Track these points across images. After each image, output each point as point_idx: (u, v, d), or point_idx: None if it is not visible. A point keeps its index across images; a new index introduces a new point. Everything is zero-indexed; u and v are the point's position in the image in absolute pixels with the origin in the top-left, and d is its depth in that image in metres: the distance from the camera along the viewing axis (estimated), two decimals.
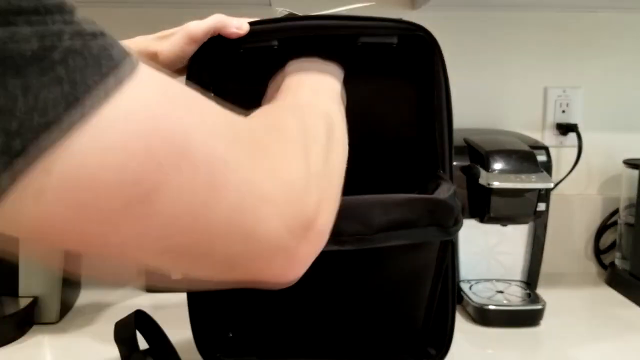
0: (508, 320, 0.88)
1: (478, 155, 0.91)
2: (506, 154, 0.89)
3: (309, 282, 0.63)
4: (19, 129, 0.22)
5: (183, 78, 0.65)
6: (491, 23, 1.09)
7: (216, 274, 0.33)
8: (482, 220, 0.91)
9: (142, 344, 0.67)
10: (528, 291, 0.95)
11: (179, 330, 0.71)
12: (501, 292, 0.94)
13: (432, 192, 0.63)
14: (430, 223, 0.59)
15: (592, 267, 1.14)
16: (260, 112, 0.42)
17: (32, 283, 0.86)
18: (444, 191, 0.61)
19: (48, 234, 0.26)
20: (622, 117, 1.13)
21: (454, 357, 0.72)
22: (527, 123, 1.12)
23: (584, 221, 1.14)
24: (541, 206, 0.89)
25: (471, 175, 0.91)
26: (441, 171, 0.70)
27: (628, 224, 1.04)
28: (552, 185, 0.87)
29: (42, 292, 0.86)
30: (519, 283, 0.98)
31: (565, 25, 1.10)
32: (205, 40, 0.63)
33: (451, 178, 0.70)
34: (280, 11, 0.68)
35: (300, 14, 0.68)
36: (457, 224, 0.61)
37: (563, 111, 1.12)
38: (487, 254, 0.99)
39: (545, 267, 1.00)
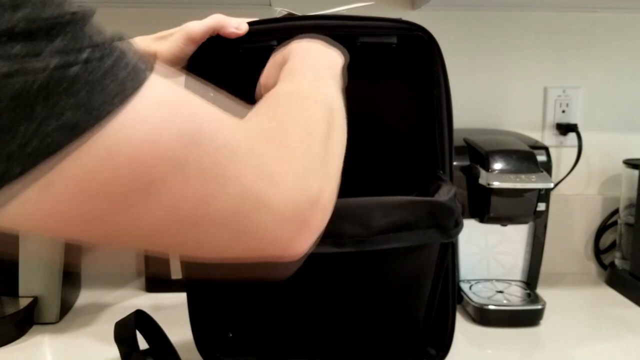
0: (508, 320, 0.88)
1: (478, 155, 0.91)
2: (506, 154, 0.89)
3: (309, 282, 0.63)
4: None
5: (182, 78, 0.65)
6: (491, 23, 1.09)
7: (232, 249, 0.35)
8: (482, 220, 0.91)
9: (142, 344, 0.67)
10: (528, 291, 0.95)
11: (179, 330, 0.71)
12: (501, 292, 0.95)
13: (433, 194, 0.63)
14: (431, 225, 0.59)
15: (592, 267, 1.14)
16: (265, 102, 0.43)
17: (32, 283, 0.86)
18: (445, 193, 0.61)
19: (68, 224, 0.28)
20: (622, 117, 1.13)
21: (453, 357, 0.72)
22: (527, 123, 1.12)
23: (584, 221, 1.14)
24: (541, 206, 0.89)
25: (471, 175, 0.91)
26: (441, 172, 0.70)
27: (628, 224, 1.04)
28: (552, 185, 0.87)
29: (42, 292, 0.86)
30: (518, 283, 0.98)
31: (565, 25, 1.10)
32: (204, 40, 0.63)
33: (451, 178, 0.70)
34: (279, 11, 0.68)
35: (300, 13, 0.68)
36: (458, 226, 0.61)
37: (563, 111, 1.12)
38: (487, 254, 0.99)
39: (545, 267, 1.00)
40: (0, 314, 0.81)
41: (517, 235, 0.99)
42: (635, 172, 1.01)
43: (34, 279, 0.86)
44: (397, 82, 0.72)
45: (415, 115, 0.72)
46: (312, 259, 0.57)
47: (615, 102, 1.12)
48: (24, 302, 0.84)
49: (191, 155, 0.30)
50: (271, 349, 0.71)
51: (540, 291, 0.96)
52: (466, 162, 0.93)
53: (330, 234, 0.55)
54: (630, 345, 0.83)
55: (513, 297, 0.93)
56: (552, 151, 0.97)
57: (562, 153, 1.12)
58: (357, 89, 0.67)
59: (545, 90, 1.11)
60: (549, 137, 1.12)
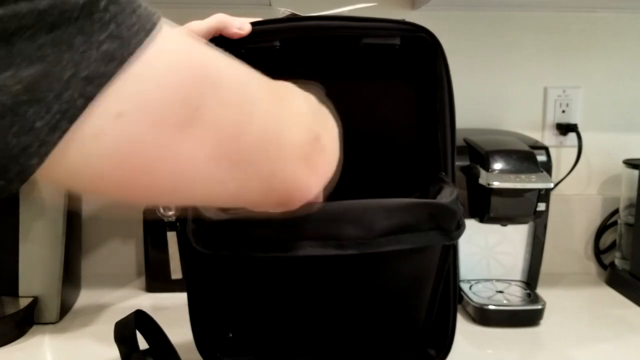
0: (508, 320, 0.88)
1: (478, 155, 0.91)
2: (506, 154, 0.89)
3: (310, 282, 0.63)
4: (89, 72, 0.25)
5: None
6: (491, 23, 1.09)
7: (253, 189, 0.37)
8: (482, 220, 0.91)
9: (142, 344, 0.67)
10: (528, 291, 0.95)
11: (179, 330, 0.71)
12: (501, 292, 0.95)
13: (435, 196, 0.63)
14: (432, 227, 0.58)
15: (592, 267, 1.14)
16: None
17: (32, 283, 0.86)
18: (447, 195, 0.61)
19: (112, 168, 0.28)
20: (622, 117, 1.13)
21: (453, 357, 0.72)
22: (527, 123, 1.12)
23: (584, 221, 1.14)
24: (541, 206, 0.89)
25: (471, 175, 0.91)
26: (443, 173, 0.69)
27: (628, 224, 1.04)
28: (552, 185, 0.87)
29: (42, 292, 0.86)
30: (518, 283, 0.98)
31: (565, 25, 1.10)
32: (207, 40, 0.63)
33: (453, 180, 0.70)
34: (282, 11, 0.68)
35: (302, 14, 0.68)
36: (460, 228, 0.60)
37: (563, 111, 1.12)
38: (487, 254, 0.99)
39: (545, 267, 1.00)
40: (0, 314, 0.81)
41: (517, 235, 0.99)
42: (635, 172, 1.01)
43: (34, 279, 0.86)
44: (399, 84, 0.72)
45: (418, 116, 0.72)
46: (313, 259, 0.57)
47: (615, 102, 1.12)
48: (24, 302, 0.84)
49: (219, 77, 0.32)
50: (271, 349, 0.71)
51: (540, 291, 0.96)
52: (466, 162, 0.93)
53: (331, 236, 0.55)
54: (630, 345, 0.83)
55: (513, 297, 0.93)
56: (552, 151, 0.97)
57: (562, 153, 1.12)
58: (359, 90, 0.67)
59: (545, 90, 1.11)
60: (549, 137, 1.12)
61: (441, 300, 0.69)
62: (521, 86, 1.11)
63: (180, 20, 0.64)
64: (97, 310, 0.94)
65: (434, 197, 0.63)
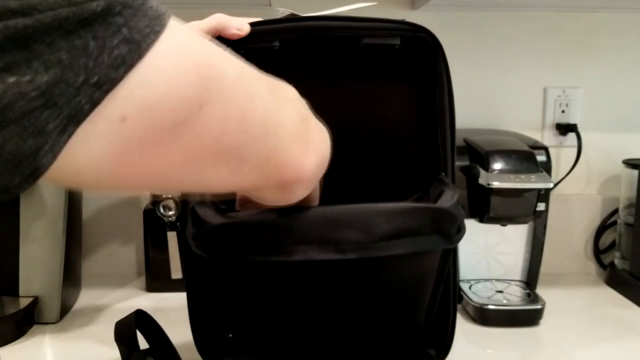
0: (508, 320, 0.88)
1: (478, 155, 0.91)
2: (506, 154, 0.89)
3: (310, 284, 0.63)
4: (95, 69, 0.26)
5: None
6: (491, 23, 1.09)
7: (252, 174, 0.39)
8: (481, 220, 0.91)
9: (143, 344, 0.67)
10: (527, 291, 0.95)
11: (179, 330, 0.71)
12: (501, 291, 0.95)
13: (436, 199, 0.62)
14: (433, 231, 0.58)
15: (592, 267, 1.15)
16: None
17: (32, 283, 0.86)
18: (448, 199, 0.61)
19: (121, 163, 0.29)
20: (622, 117, 1.13)
21: (453, 357, 0.73)
22: (527, 123, 1.12)
23: (584, 221, 1.14)
24: (541, 206, 0.89)
25: (471, 175, 0.91)
26: (443, 173, 0.69)
27: (627, 224, 1.05)
28: (551, 185, 0.87)
29: (43, 292, 0.86)
30: (518, 283, 0.98)
31: (565, 25, 1.10)
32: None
33: (453, 180, 0.70)
34: (281, 11, 0.68)
35: (302, 14, 0.67)
36: (460, 232, 0.60)
37: (562, 111, 1.12)
38: (486, 253, 0.99)
39: (544, 267, 1.00)
40: (1, 313, 0.81)
41: (516, 235, 0.99)
42: (635, 172, 1.01)
43: (35, 279, 0.86)
44: (399, 84, 0.72)
45: (418, 116, 0.72)
46: (313, 261, 0.57)
47: (614, 102, 1.13)
48: (24, 302, 0.84)
49: (225, 74, 0.33)
50: (272, 350, 0.71)
51: (540, 291, 0.96)
52: (466, 162, 0.93)
53: (331, 240, 0.55)
54: (630, 345, 0.83)
55: (513, 296, 0.93)
56: (551, 151, 0.97)
57: (561, 153, 1.12)
58: (359, 91, 0.67)
59: (545, 90, 1.12)
60: (548, 137, 1.12)
61: (441, 300, 0.69)
62: (521, 86, 1.11)
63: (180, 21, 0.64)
64: (97, 310, 0.94)
65: (435, 200, 0.62)
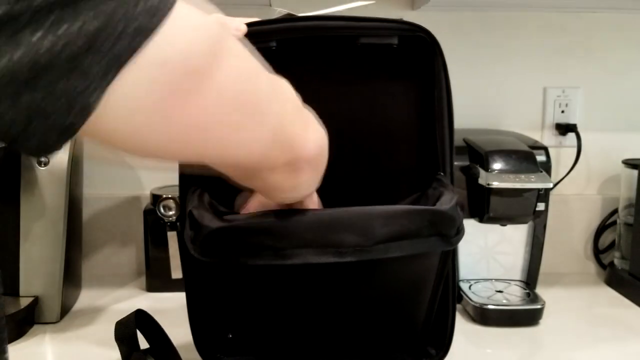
0: (507, 319, 0.88)
1: (477, 155, 0.91)
2: (505, 154, 0.89)
3: (310, 285, 0.64)
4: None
5: None
6: (491, 23, 1.09)
7: (264, 139, 0.41)
8: (481, 220, 0.91)
9: (143, 344, 0.67)
10: (527, 291, 0.95)
11: (179, 330, 0.72)
12: (500, 291, 0.95)
13: (435, 201, 0.62)
14: (432, 234, 0.58)
15: (591, 266, 1.15)
16: None
17: (32, 283, 0.86)
18: (447, 201, 0.60)
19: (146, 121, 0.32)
20: (621, 117, 1.13)
21: (453, 356, 0.73)
22: (527, 123, 1.12)
23: (583, 221, 1.14)
24: (540, 206, 0.89)
25: (470, 175, 0.92)
26: (441, 173, 0.69)
27: (627, 224, 1.05)
28: (551, 185, 0.87)
29: (43, 291, 0.86)
30: (518, 283, 0.99)
31: (565, 25, 1.10)
32: None
33: (452, 179, 0.70)
34: (278, 11, 0.67)
35: (298, 14, 0.67)
36: (459, 234, 0.60)
37: (562, 111, 1.12)
38: (486, 253, 0.99)
39: (544, 267, 1.00)
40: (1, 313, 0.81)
41: (516, 235, 0.99)
42: (635, 172, 1.01)
43: (35, 279, 0.86)
44: (397, 83, 0.72)
45: (416, 116, 0.72)
46: (312, 263, 0.57)
47: (614, 102, 1.13)
48: (24, 302, 0.84)
49: (231, 40, 0.36)
50: (271, 350, 0.71)
51: (540, 291, 0.96)
52: (466, 162, 0.93)
53: (330, 244, 0.55)
54: (629, 345, 0.83)
55: (512, 296, 0.93)
56: (551, 151, 0.97)
57: (561, 153, 1.12)
58: (357, 91, 0.67)
59: (545, 90, 1.12)
60: (548, 137, 1.12)
61: (440, 299, 0.70)
62: (520, 86, 1.11)
63: None
64: (97, 310, 0.94)
65: (434, 202, 0.62)
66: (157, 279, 1.00)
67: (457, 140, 0.90)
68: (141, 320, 0.68)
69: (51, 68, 0.27)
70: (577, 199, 1.13)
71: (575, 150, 1.08)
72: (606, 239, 1.14)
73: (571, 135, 1.10)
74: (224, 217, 0.58)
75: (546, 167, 0.94)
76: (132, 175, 1.10)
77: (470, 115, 1.10)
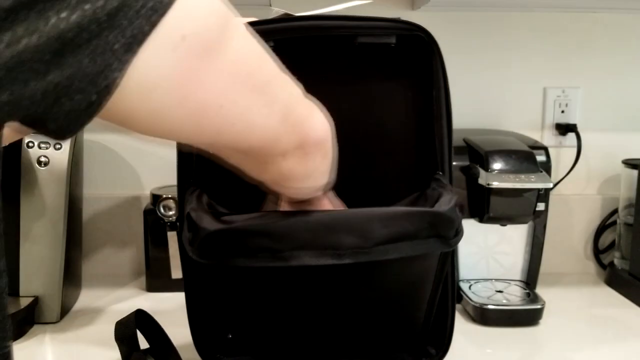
0: (507, 319, 0.88)
1: (477, 155, 0.91)
2: (505, 154, 0.89)
3: (309, 286, 0.64)
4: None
5: None
6: (491, 23, 1.09)
7: (275, 119, 0.42)
8: (481, 220, 0.91)
9: (143, 344, 0.67)
10: (527, 291, 0.95)
11: (179, 330, 0.72)
12: (500, 291, 0.95)
13: (434, 202, 0.62)
14: (431, 235, 0.58)
15: (591, 266, 1.15)
16: None
17: (32, 283, 0.86)
18: (445, 203, 0.60)
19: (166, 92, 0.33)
20: (621, 117, 1.13)
21: (453, 356, 0.73)
22: (527, 123, 1.12)
23: (583, 221, 1.14)
24: (540, 206, 0.89)
25: (470, 175, 0.92)
26: (440, 173, 0.69)
27: (627, 224, 1.05)
28: (551, 185, 0.87)
29: (43, 291, 0.86)
30: (518, 283, 0.99)
31: (565, 25, 1.10)
32: None
33: (450, 180, 0.70)
34: (275, 11, 0.67)
35: (295, 14, 0.67)
36: (458, 235, 0.60)
37: (562, 111, 1.12)
38: (486, 253, 0.99)
39: (544, 267, 1.00)
40: None
41: (516, 235, 0.99)
42: (635, 172, 1.01)
43: (35, 279, 0.86)
44: (396, 83, 0.72)
45: (415, 115, 0.72)
46: (311, 265, 0.57)
47: (614, 102, 1.13)
48: (24, 302, 0.84)
49: (236, 20, 0.38)
50: (271, 350, 0.71)
51: (540, 291, 0.96)
52: (466, 162, 0.93)
53: (329, 246, 0.55)
54: (629, 345, 0.83)
55: (512, 296, 0.93)
56: (551, 151, 0.97)
57: (561, 153, 1.12)
58: (356, 90, 0.67)
59: (545, 90, 1.12)
60: (548, 137, 1.12)
61: (440, 298, 0.70)
62: (520, 86, 1.11)
63: None
64: (97, 310, 0.94)
65: (433, 203, 0.62)
66: (157, 279, 1.00)
67: (457, 140, 0.91)
68: (141, 320, 0.68)
69: (77, 46, 0.28)
70: (577, 199, 1.13)
71: (575, 150, 1.08)
72: (606, 239, 1.14)
73: (571, 135, 1.10)
74: (222, 219, 0.58)
75: (546, 167, 0.94)
76: (132, 175, 1.10)
77: (470, 115, 1.10)
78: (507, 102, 1.12)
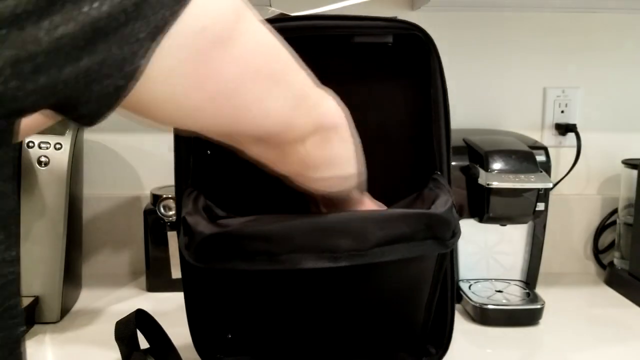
0: (507, 319, 0.88)
1: (477, 155, 0.91)
2: (505, 154, 0.89)
3: (307, 287, 0.64)
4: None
5: None
6: (491, 23, 1.09)
7: (295, 103, 0.44)
8: (481, 220, 0.91)
9: (143, 344, 0.67)
10: (527, 291, 0.95)
11: (179, 330, 0.72)
12: (500, 291, 0.95)
13: (431, 204, 0.62)
14: (427, 237, 0.58)
15: (591, 266, 1.15)
16: None
17: (33, 282, 0.86)
18: (442, 204, 0.60)
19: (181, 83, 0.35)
20: (621, 117, 1.13)
21: (453, 356, 0.73)
22: (526, 123, 1.12)
23: (583, 221, 1.14)
24: (540, 206, 0.89)
25: (470, 175, 0.92)
26: (438, 172, 0.69)
27: (627, 224, 1.05)
28: (551, 185, 0.87)
29: (43, 291, 0.86)
30: (518, 282, 0.99)
31: (564, 25, 1.10)
32: None
33: (449, 180, 0.69)
34: (270, 11, 0.67)
35: (292, 14, 0.67)
36: (455, 237, 0.60)
37: (562, 111, 1.12)
38: (486, 253, 0.99)
39: (544, 267, 1.00)
40: None
41: (516, 235, 0.99)
42: (634, 172, 1.01)
43: (35, 279, 0.86)
44: (393, 82, 0.72)
45: (412, 115, 0.72)
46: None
47: (614, 102, 1.13)
48: (24, 302, 0.84)
49: (248, 9, 0.39)
50: (271, 350, 0.71)
51: (540, 291, 0.96)
52: (465, 162, 0.93)
53: (325, 249, 0.55)
54: (629, 345, 0.83)
55: (512, 296, 0.93)
56: (551, 151, 0.97)
57: (561, 153, 1.12)
58: (353, 91, 0.67)
59: (545, 90, 1.12)
60: (548, 137, 1.12)
61: (440, 298, 0.70)
62: (520, 86, 1.11)
63: None
64: (97, 310, 0.94)
65: (430, 204, 0.62)
66: (157, 279, 1.00)
67: (457, 140, 0.91)
68: (141, 320, 0.68)
69: (107, 33, 0.30)
70: (577, 199, 1.13)
71: (575, 150, 1.08)
72: (606, 239, 1.14)
73: (571, 135, 1.10)
74: (218, 222, 0.58)
75: (546, 167, 0.94)
76: (132, 175, 1.11)
77: (470, 115, 1.10)
78: (507, 102, 1.12)
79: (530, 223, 0.97)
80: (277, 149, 0.47)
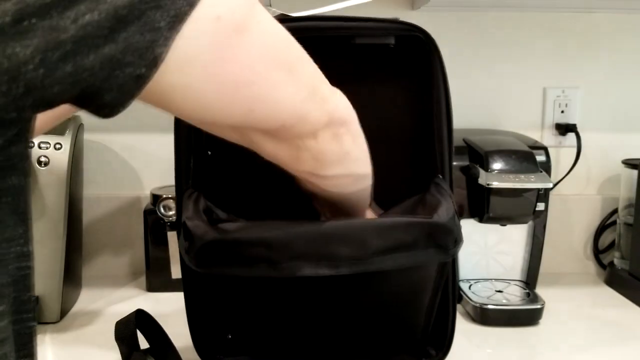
0: (507, 319, 0.88)
1: (477, 155, 0.91)
2: (505, 154, 0.89)
3: (308, 291, 0.63)
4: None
5: None
6: (491, 23, 1.09)
7: (307, 94, 0.44)
8: (481, 220, 0.91)
9: (143, 344, 0.67)
10: (527, 291, 0.95)
11: (179, 330, 0.72)
12: (500, 291, 0.95)
13: (432, 210, 0.61)
14: (429, 245, 0.58)
15: (591, 266, 1.15)
16: None
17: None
18: (444, 212, 0.60)
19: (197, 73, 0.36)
20: (621, 117, 1.13)
21: (453, 356, 0.73)
22: (526, 123, 1.12)
23: (583, 221, 1.14)
24: (540, 206, 0.89)
25: (470, 175, 0.92)
26: (440, 176, 0.69)
27: (627, 224, 1.05)
28: (551, 185, 0.87)
29: (43, 291, 0.86)
30: (518, 282, 0.99)
31: (564, 25, 1.10)
32: None
33: (450, 182, 0.69)
34: (271, 12, 0.67)
35: (292, 15, 0.67)
36: (457, 245, 0.60)
37: (562, 111, 1.12)
38: (486, 253, 0.99)
39: (544, 267, 1.00)
40: None
41: (516, 235, 0.99)
42: (634, 172, 1.01)
43: (35, 279, 0.86)
44: (395, 84, 0.72)
45: (414, 117, 0.72)
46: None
47: (614, 102, 1.13)
48: None
49: (262, 6, 0.40)
50: (271, 350, 0.71)
51: (540, 291, 0.96)
52: (465, 162, 0.93)
53: (325, 256, 0.55)
54: (629, 345, 0.83)
55: (512, 296, 0.93)
56: (551, 151, 0.97)
57: (561, 153, 1.12)
58: (354, 92, 0.66)
59: (545, 90, 1.12)
60: (548, 137, 1.12)
61: (441, 300, 0.69)
62: (520, 86, 1.11)
63: None
64: (97, 310, 0.94)
65: (432, 210, 0.61)
66: (157, 279, 1.00)
67: (457, 140, 0.91)
68: (141, 320, 0.68)
69: (129, 22, 0.31)
70: (577, 199, 1.13)
71: (575, 150, 1.08)
72: (606, 239, 1.14)
73: (571, 135, 1.10)
74: (218, 226, 0.58)
75: (546, 167, 0.94)
76: (132, 175, 1.11)
77: (470, 115, 1.10)
78: (506, 102, 1.12)
79: (530, 223, 0.97)
80: (291, 145, 0.47)
